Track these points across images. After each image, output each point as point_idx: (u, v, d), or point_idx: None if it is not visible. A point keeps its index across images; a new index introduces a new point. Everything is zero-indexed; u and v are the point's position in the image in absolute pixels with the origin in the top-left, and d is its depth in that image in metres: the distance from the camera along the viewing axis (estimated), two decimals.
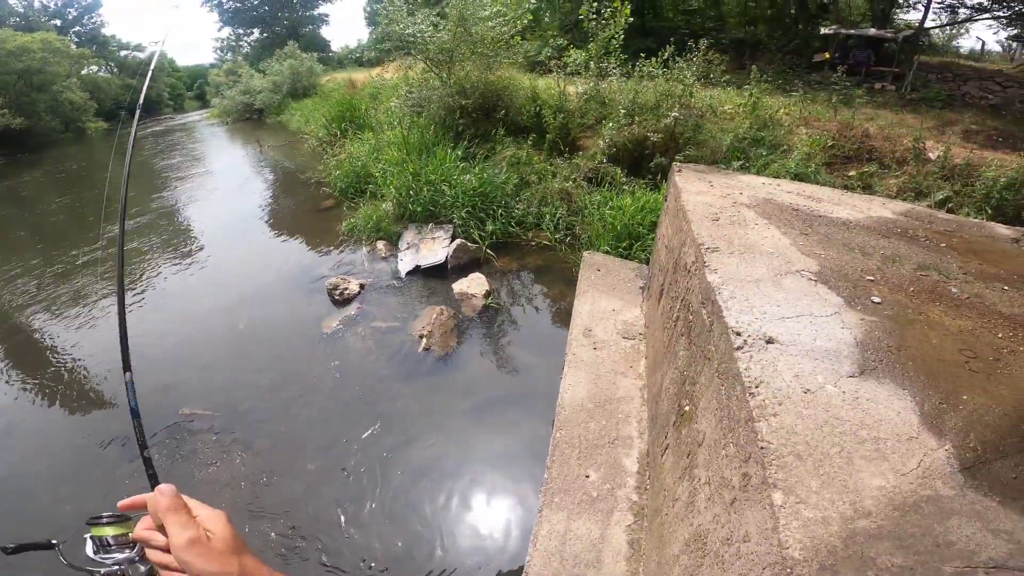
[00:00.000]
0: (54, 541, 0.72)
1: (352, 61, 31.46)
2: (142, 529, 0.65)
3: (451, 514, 2.98)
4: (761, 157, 5.86)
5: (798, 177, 5.06)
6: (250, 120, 25.72)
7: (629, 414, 2.91)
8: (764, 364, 1.39)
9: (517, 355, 4.30)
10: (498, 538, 2.84)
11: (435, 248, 5.87)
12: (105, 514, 0.68)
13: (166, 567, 0.62)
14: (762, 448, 1.17)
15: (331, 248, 6.79)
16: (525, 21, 7.84)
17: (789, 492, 1.06)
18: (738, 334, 1.50)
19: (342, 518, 2.96)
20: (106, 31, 43.09)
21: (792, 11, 13.26)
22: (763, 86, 6.99)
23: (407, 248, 6.08)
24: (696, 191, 2.97)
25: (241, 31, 45.67)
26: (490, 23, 7.49)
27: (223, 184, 12.71)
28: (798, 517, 1.02)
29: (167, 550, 0.61)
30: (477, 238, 5.91)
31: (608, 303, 3.94)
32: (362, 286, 5.49)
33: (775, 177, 4.07)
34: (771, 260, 2.01)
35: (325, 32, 47.01)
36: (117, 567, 0.67)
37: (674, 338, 2.35)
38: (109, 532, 0.68)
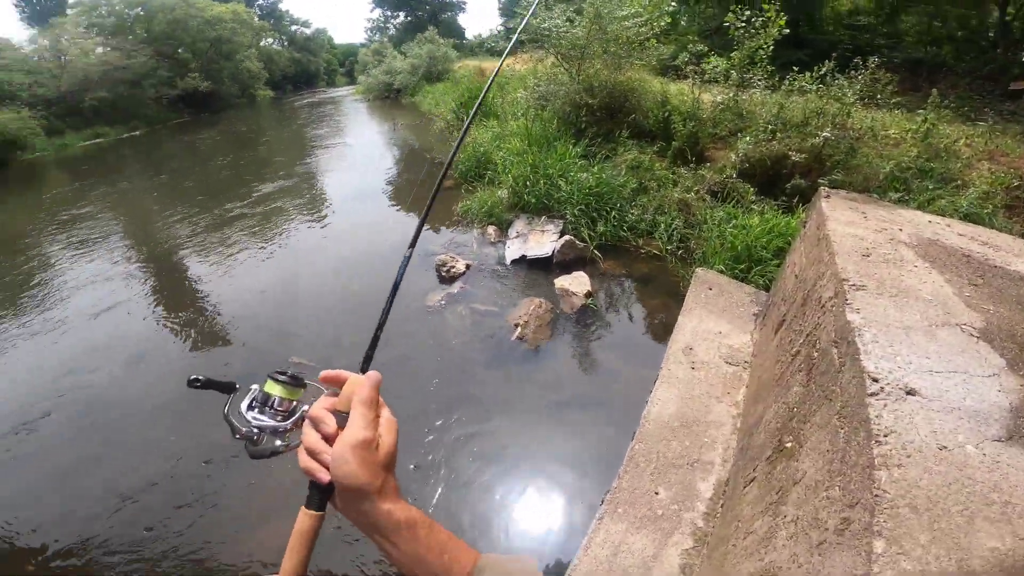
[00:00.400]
0: (238, 385, 0.69)
1: (484, 50, 32.66)
2: (320, 407, 0.62)
3: (509, 505, 3.05)
4: (926, 191, 5.12)
5: (969, 218, 4.36)
6: (388, 99, 27.87)
7: (716, 440, 2.79)
8: (899, 415, 1.30)
9: (608, 361, 4.26)
10: (549, 537, 2.87)
11: (543, 241, 5.98)
12: (290, 371, 0.66)
13: (313, 453, 0.58)
14: (876, 496, 1.13)
15: (444, 227, 7.21)
16: (663, 23, 7.59)
17: (893, 542, 1.04)
18: (875, 380, 1.41)
19: (407, 492, 3.08)
20: (282, 6, 49.29)
21: (990, 34, 11.37)
22: (942, 112, 6.08)
23: (516, 237, 6.27)
24: (846, 221, 2.72)
25: (389, 13, 49.76)
26: (626, 23, 7.37)
27: (358, 156, 14.01)
28: (895, 567, 0.99)
29: (327, 438, 0.59)
30: (586, 237, 5.91)
31: (715, 324, 3.76)
32: (468, 267, 5.77)
33: (940, 215, 3.58)
34: (927, 308, 1.81)
35: (461, 20, 49.56)
36: (258, 430, 0.63)
37: (789, 372, 2.20)
38: (279, 391, 0.64)
